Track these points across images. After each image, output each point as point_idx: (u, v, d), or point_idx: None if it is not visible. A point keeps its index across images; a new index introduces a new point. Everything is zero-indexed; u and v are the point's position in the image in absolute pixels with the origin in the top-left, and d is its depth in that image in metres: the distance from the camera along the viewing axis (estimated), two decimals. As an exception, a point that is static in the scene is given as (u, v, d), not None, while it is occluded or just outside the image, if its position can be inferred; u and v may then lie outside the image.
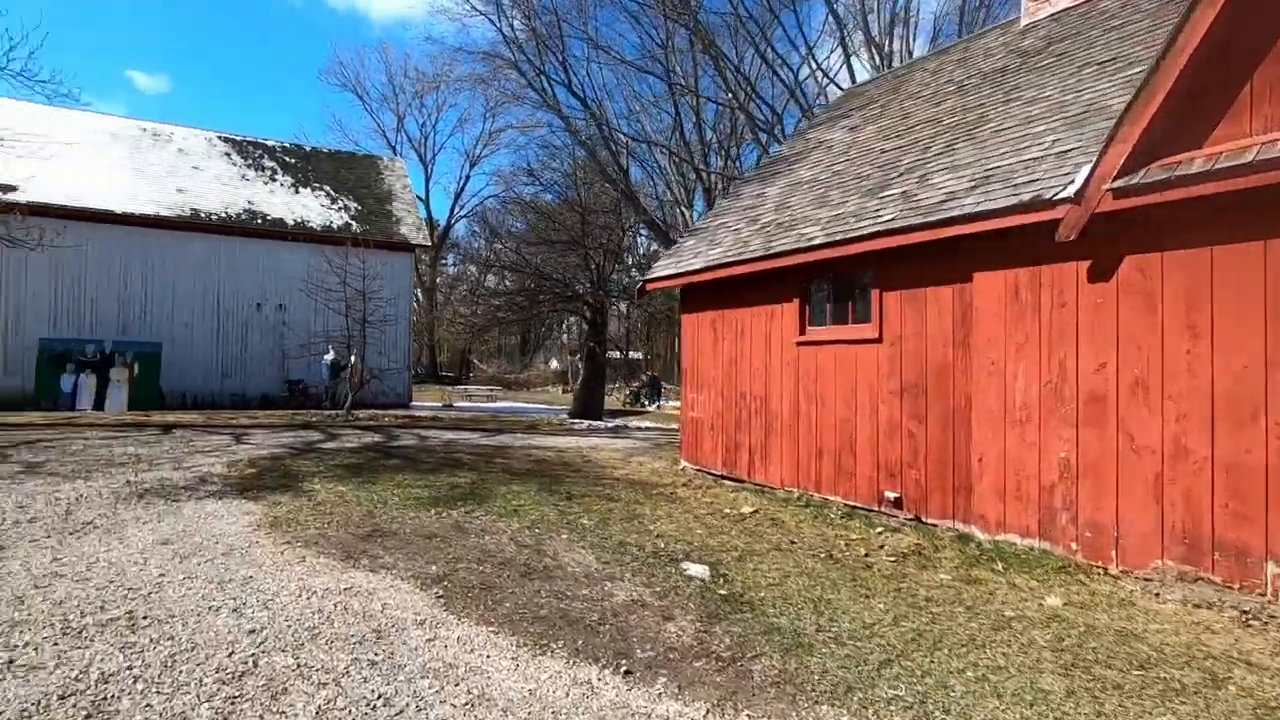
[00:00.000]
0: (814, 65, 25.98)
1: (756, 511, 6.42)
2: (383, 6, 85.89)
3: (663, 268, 9.51)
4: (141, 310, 18.02)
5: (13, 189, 16.69)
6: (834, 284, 7.40)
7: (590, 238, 17.49)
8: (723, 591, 4.17)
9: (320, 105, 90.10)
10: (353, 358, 17.93)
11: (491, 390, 36.22)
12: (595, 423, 17.05)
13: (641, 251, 31.95)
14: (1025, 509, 5.29)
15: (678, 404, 33.88)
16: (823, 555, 4.99)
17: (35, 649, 3.05)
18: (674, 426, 17.57)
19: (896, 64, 23.31)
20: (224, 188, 20.60)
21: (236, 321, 19.24)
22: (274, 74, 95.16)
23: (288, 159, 23.68)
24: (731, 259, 8.06)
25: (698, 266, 8.64)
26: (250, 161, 22.57)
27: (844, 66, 25.58)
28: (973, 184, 5.88)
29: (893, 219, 6.20)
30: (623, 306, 26.04)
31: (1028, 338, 5.38)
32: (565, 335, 64.32)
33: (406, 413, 18.80)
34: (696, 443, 9.11)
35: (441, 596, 3.92)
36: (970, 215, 5.44)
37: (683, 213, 34.77)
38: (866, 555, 4.98)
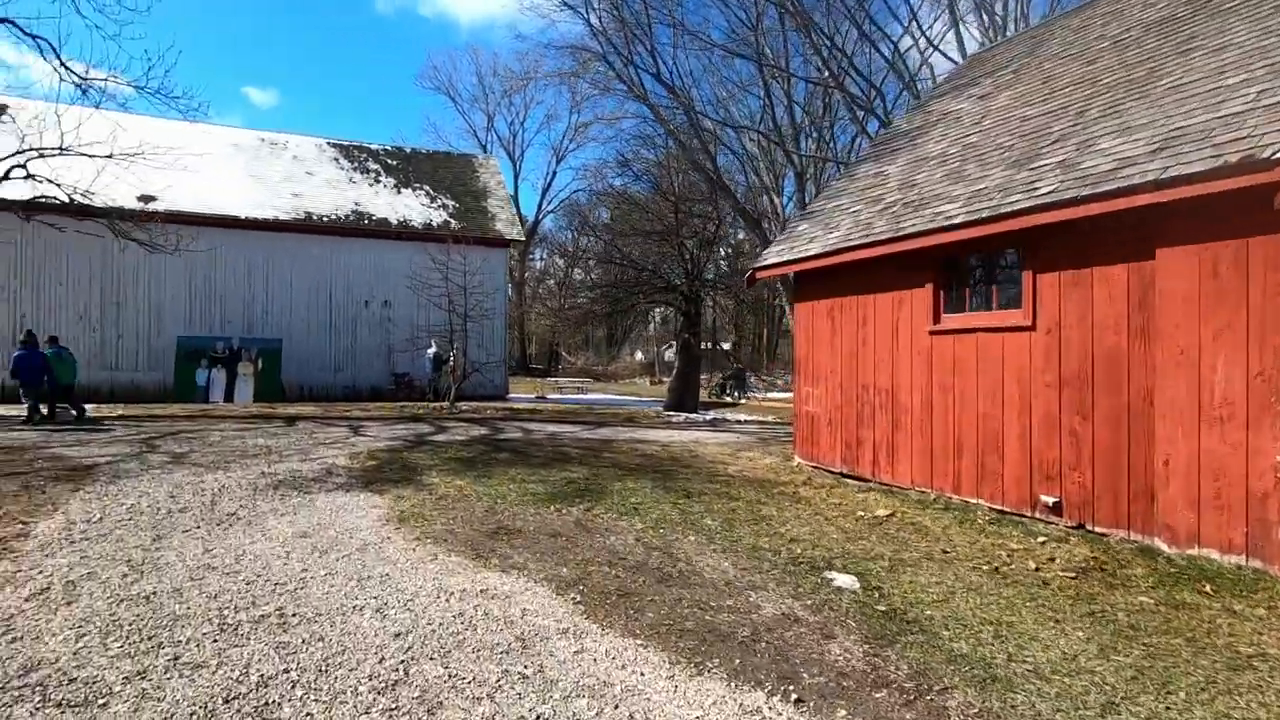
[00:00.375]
0: (918, 34, 24.44)
1: (892, 515, 5.92)
2: (471, 11, 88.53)
3: (775, 254, 9.05)
4: (264, 309, 19.20)
5: (153, 199, 18.15)
6: (974, 267, 6.75)
7: (685, 227, 17.13)
8: (881, 607, 3.77)
9: (415, 109, 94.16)
10: (453, 352, 18.44)
11: (581, 382, 36.59)
12: (692, 415, 16.74)
13: (733, 241, 31.25)
14: (1228, 520, 4.56)
15: (765, 395, 33.17)
16: (985, 568, 4.47)
17: (197, 645, 3.07)
18: (770, 419, 17.02)
19: (1012, 29, 21.55)
20: (333, 191, 21.65)
21: (347, 318, 20.19)
22: (370, 83, 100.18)
23: (389, 161, 24.65)
24: (853, 242, 7.52)
25: (814, 252, 8.13)
26: (356, 165, 23.63)
27: (950, 33, 23.95)
28: (1153, 147, 5.13)
29: (1052, 191, 5.52)
30: (718, 297, 25.44)
31: (1230, 323, 4.62)
32: (650, 327, 64.42)
33: (505, 405, 19.17)
34: (812, 438, 8.63)
35: (579, 603, 3.72)
36: (1158, 183, 4.72)
37: (772, 200, 33.82)
38: (1038, 569, 4.42)
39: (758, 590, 4.01)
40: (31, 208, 14.27)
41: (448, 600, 3.69)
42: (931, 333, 6.91)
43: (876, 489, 7.15)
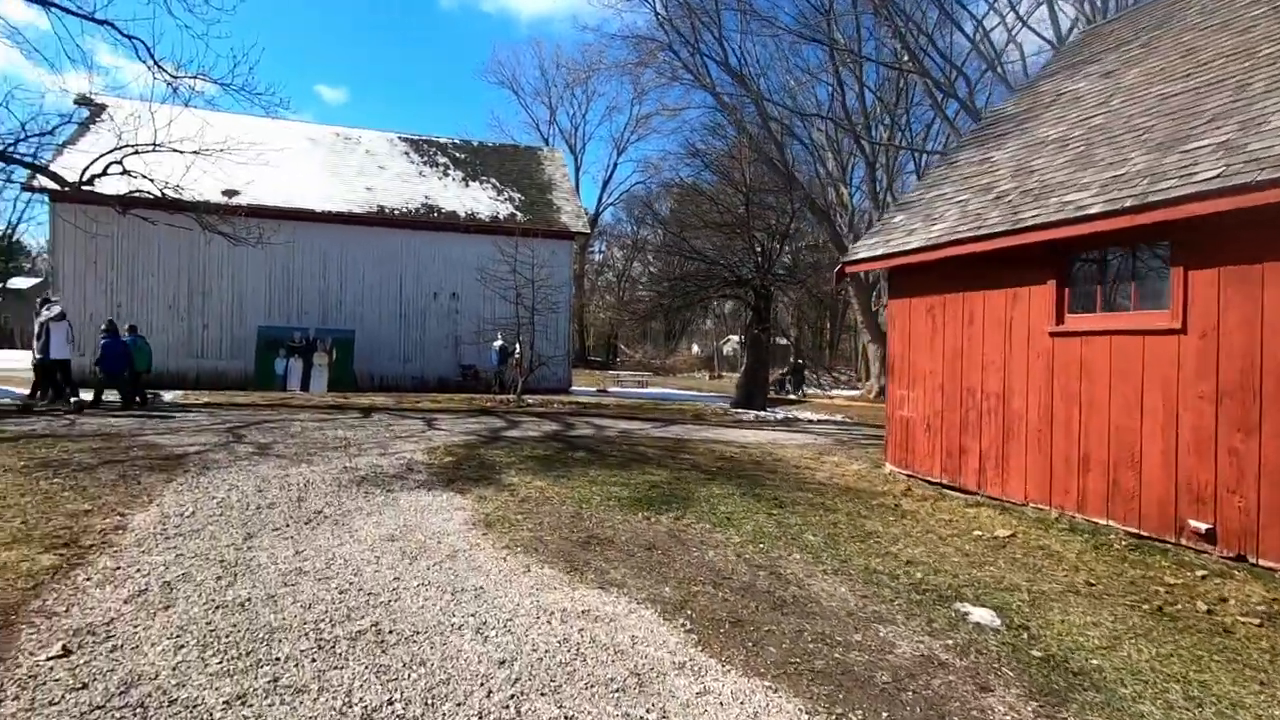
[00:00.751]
0: (1005, 10, 23.00)
1: (1014, 536, 5.38)
2: (532, 5, 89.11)
3: (866, 248, 8.49)
4: (337, 300, 19.65)
5: (236, 193, 18.76)
6: (1106, 262, 6.07)
7: (757, 219, 16.57)
8: (1036, 653, 3.30)
9: (479, 104, 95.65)
10: (517, 345, 18.44)
11: (641, 376, 36.35)
12: (762, 414, 16.24)
13: (803, 234, 30.35)
14: None
15: (829, 393, 32.15)
16: (1145, 607, 3.92)
17: (296, 665, 2.88)
18: (838, 418, 16.31)
19: (1113, 3, 19.98)
20: (404, 184, 21.96)
21: (416, 309, 20.45)
22: (434, 79, 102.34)
23: (458, 154, 24.88)
24: (962, 235, 6.92)
25: (914, 246, 7.56)
26: (426, 159, 23.94)
27: (1041, 9, 22.45)
28: (1350, 123, 4.40)
29: (1216, 177, 4.84)
30: (789, 291, 24.71)
31: None
32: (708, 322, 63.72)
33: (569, 399, 19.08)
34: (906, 445, 8.07)
35: (691, 631, 3.40)
36: (1365, 163, 4.03)
37: (839, 190, 32.70)
38: (1210, 612, 3.84)
39: (885, 623, 3.59)
40: (127, 202, 14.89)
41: (549, 622, 3.42)
42: (1053, 334, 6.28)
43: (985, 503, 6.57)
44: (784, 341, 44.70)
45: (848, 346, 53.69)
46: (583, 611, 3.57)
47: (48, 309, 11.43)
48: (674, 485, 6.82)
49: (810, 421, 15.36)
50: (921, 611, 3.77)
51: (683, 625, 3.46)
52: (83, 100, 20.74)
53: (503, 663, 2.98)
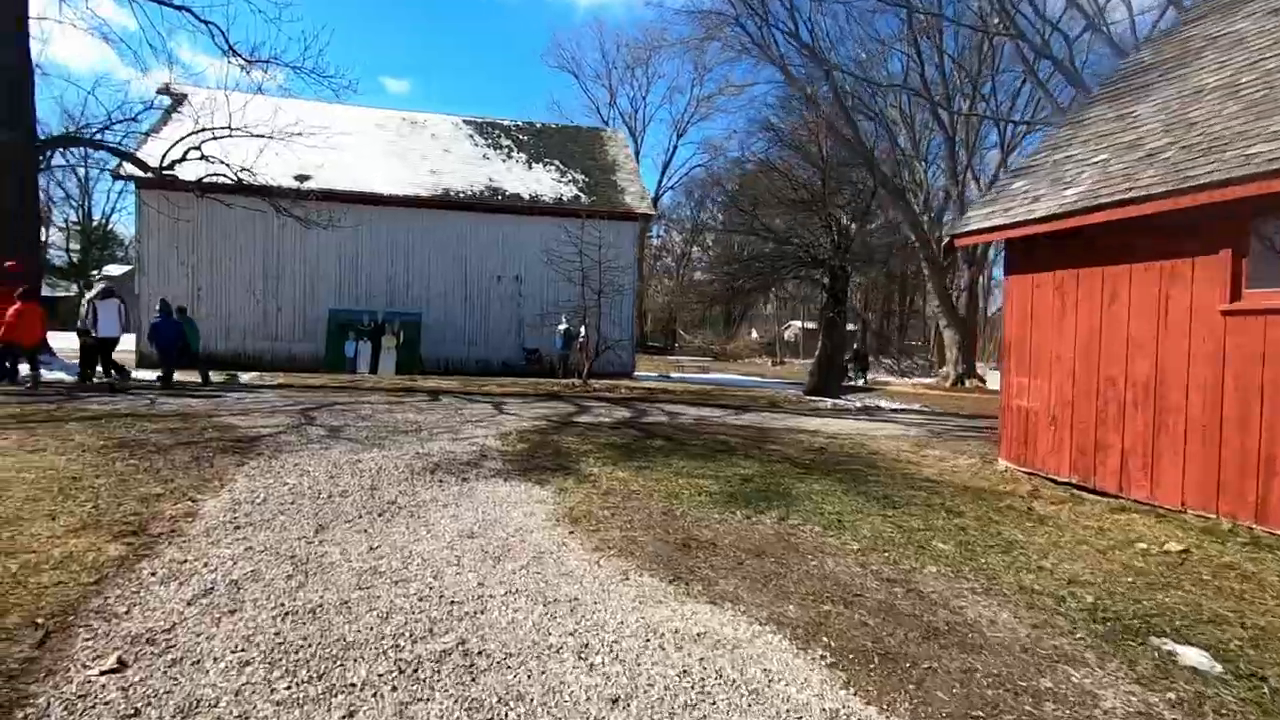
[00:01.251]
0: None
1: (1187, 551, 4.54)
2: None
3: (981, 218, 7.59)
4: (404, 283, 19.68)
5: (307, 178, 18.93)
6: (1302, 225, 5.08)
7: (836, 195, 15.57)
8: (1292, 715, 2.56)
9: (537, 90, 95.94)
10: (583, 328, 18.06)
11: (703, 361, 35.61)
12: (838, 401, 15.37)
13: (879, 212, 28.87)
14: None
15: (896, 379, 30.67)
16: None
17: (374, 696, 2.42)
18: (916, 406, 15.26)
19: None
20: (468, 167, 21.80)
21: (480, 292, 20.31)
22: (494, 69, 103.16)
23: (521, 137, 24.59)
24: (1105, 199, 5.98)
25: (1041, 214, 6.65)
26: (489, 141, 23.75)
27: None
28: None
29: None
30: (867, 273, 23.46)
31: None
32: (769, 306, 62.34)
33: (634, 383, 18.62)
34: (1026, 439, 7.20)
35: (833, 665, 2.80)
36: None
37: (913, 169, 30.96)
38: None
39: (1074, 664, 2.91)
40: (205, 186, 15.15)
41: (662, 647, 2.88)
42: (1226, 313, 5.32)
43: (1132, 508, 5.69)
44: (852, 327, 43.03)
45: (916, 333, 51.54)
46: (699, 634, 3.02)
47: (98, 287, 11.65)
48: (768, 479, 6.20)
49: (892, 411, 14.40)
50: (1114, 649, 3.06)
51: (821, 658, 2.86)
52: (165, 90, 21.31)
53: (615, 701, 2.45)
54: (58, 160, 23.75)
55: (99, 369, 11.68)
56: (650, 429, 9.07)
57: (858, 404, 15.05)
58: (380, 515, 4.62)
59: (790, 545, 4.35)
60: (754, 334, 65.61)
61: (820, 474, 6.55)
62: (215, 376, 14.15)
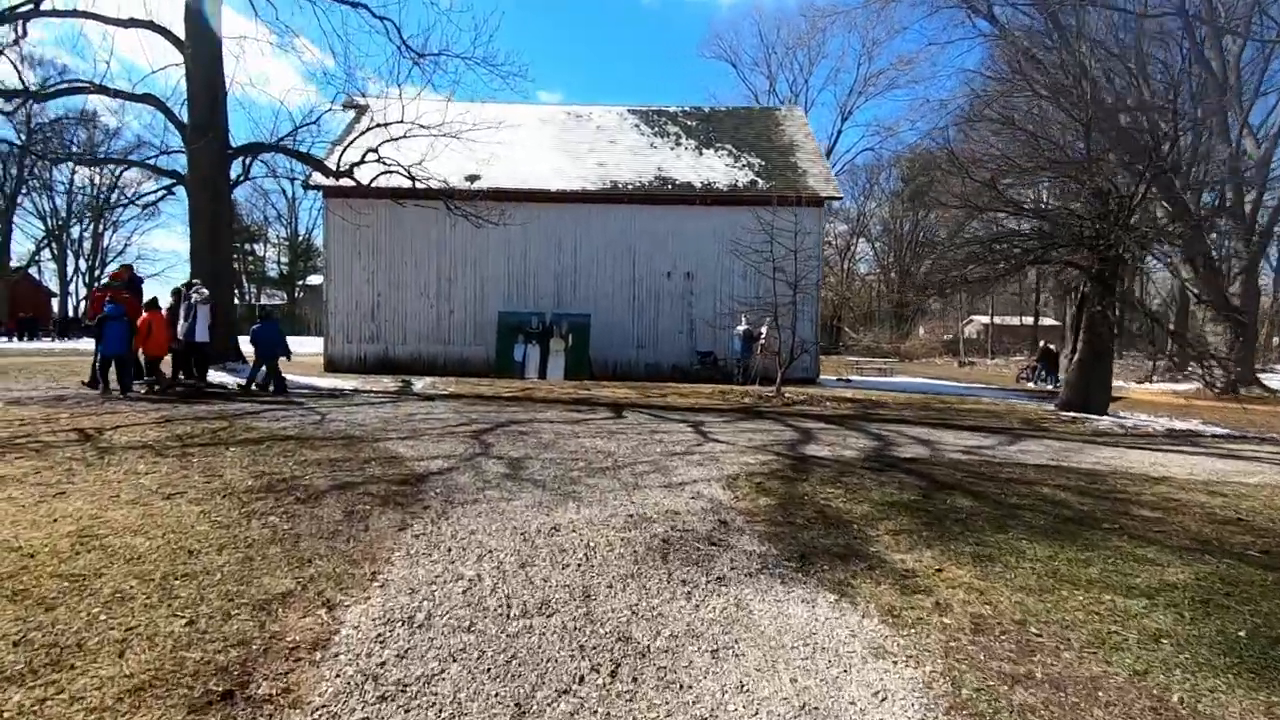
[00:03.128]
0: None
1: None
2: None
3: None
4: (570, 283, 18.48)
5: (477, 177, 18.30)
6: None
7: (1111, 153, 11.86)
8: None
9: (694, 88, 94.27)
10: (763, 329, 15.73)
11: (881, 363, 31.62)
12: (1110, 419, 11.72)
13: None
14: None
15: (1121, 384, 24.88)
16: None
17: None
18: (1220, 429, 11.11)
19: None
20: (635, 157, 20.26)
21: (648, 291, 18.65)
22: (643, 72, 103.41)
23: (689, 123, 22.76)
24: None
25: None
26: (656, 129, 22.13)
27: None
28: None
29: None
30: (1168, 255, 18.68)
31: None
32: (935, 303, 56.31)
33: (824, 390, 15.98)
34: None
35: None
36: None
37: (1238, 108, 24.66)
38: None
39: None
40: (383, 191, 14.77)
41: None
42: None
43: None
44: (1051, 322, 36.33)
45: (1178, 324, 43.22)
46: None
47: (196, 293, 11.20)
48: (1242, 600, 3.53)
49: (1214, 437, 10.55)
50: None
51: None
52: (349, 104, 21.86)
53: None
54: (255, 171, 25.40)
55: (208, 373, 11.82)
56: (921, 471, 6.55)
57: (1160, 427, 11.27)
58: (612, 672, 2.65)
59: None
60: (920, 331, 59.53)
61: (1312, 586, 3.74)
62: (390, 384, 13.60)
